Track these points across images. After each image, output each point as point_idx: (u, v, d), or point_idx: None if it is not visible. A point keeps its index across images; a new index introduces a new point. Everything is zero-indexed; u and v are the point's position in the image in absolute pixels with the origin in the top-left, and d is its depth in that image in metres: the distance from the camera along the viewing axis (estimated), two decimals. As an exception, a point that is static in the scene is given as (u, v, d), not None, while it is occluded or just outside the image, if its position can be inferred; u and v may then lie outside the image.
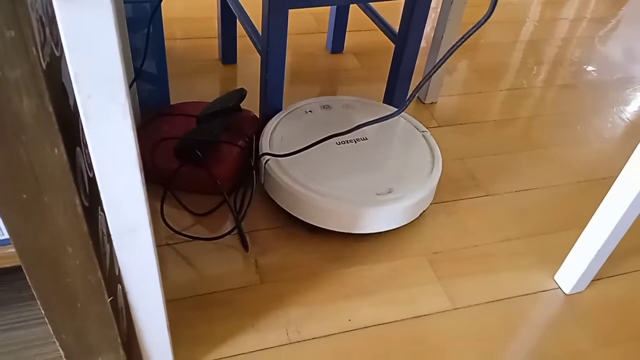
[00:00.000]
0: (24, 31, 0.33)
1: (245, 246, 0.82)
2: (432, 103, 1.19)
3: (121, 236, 0.46)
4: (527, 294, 0.81)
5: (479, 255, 0.86)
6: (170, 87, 1.08)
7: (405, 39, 1.01)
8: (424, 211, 0.89)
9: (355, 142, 0.91)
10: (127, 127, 0.40)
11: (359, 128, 0.84)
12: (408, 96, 0.60)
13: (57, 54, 0.41)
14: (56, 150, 0.39)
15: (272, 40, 0.88)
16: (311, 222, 0.82)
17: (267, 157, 0.85)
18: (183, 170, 0.87)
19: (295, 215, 0.83)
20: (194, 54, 1.23)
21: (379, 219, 0.82)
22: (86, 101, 0.37)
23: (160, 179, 0.88)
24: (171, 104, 1.04)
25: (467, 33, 0.40)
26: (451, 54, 0.50)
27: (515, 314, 0.78)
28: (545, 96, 1.28)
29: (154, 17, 0.93)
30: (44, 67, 0.36)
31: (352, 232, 0.82)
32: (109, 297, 0.51)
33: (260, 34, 0.92)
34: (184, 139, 0.89)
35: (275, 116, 0.95)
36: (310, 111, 0.98)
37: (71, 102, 0.42)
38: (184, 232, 0.83)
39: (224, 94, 0.99)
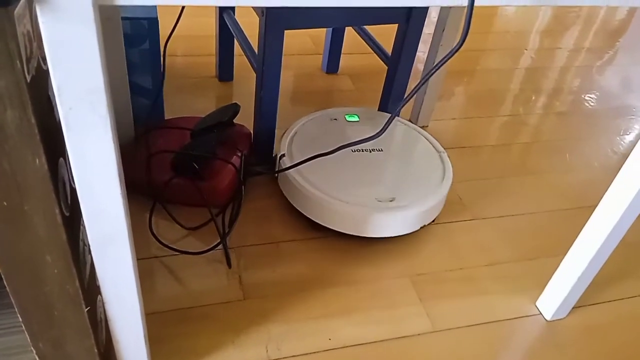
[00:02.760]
0: (9, 45, 0.35)
1: (228, 262, 0.82)
2: (423, 127, 1.20)
3: (100, 247, 0.47)
4: (508, 319, 0.81)
5: (462, 278, 0.87)
6: (166, 102, 1.10)
7: (398, 61, 1.03)
8: (424, 225, 0.91)
9: (370, 152, 0.95)
10: (108, 140, 0.41)
11: (341, 149, 0.84)
12: (388, 119, 0.62)
13: (45, 67, 0.43)
14: (37, 160, 0.40)
15: (267, 60, 0.90)
16: (310, 217, 0.87)
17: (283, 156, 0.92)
18: (177, 183, 0.88)
19: (297, 208, 0.89)
20: (191, 70, 1.25)
21: (376, 223, 0.85)
22: (68, 113, 0.38)
23: (153, 191, 0.88)
24: (166, 118, 1.06)
25: (438, 62, 0.41)
26: (425, 81, 0.51)
27: (495, 339, 0.78)
28: (540, 123, 1.29)
29: (151, 34, 0.95)
30: (29, 80, 0.37)
31: (349, 232, 0.86)
32: (87, 307, 0.51)
33: (257, 53, 0.94)
34: (181, 153, 0.90)
35: (300, 120, 1.01)
36: (336, 119, 1.03)
37: (57, 115, 0.44)
38: (171, 246, 0.83)
39: (217, 109, 1.01)
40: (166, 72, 1.23)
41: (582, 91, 1.46)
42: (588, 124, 1.33)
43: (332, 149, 0.81)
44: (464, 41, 0.40)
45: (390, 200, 0.85)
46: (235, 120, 1.00)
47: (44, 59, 0.43)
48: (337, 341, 0.75)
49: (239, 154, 0.95)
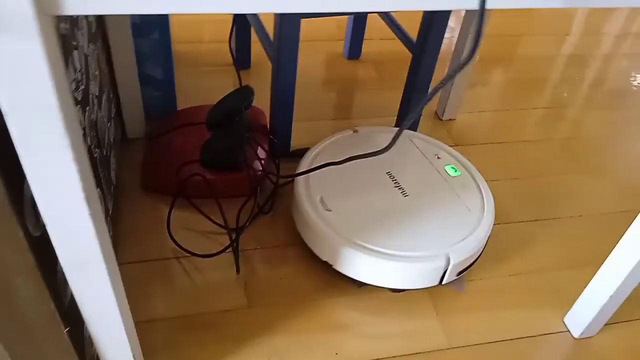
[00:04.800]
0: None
1: (237, 267, 0.78)
2: (450, 120, 1.13)
3: (72, 270, 0.44)
4: (532, 336, 0.75)
5: (483, 289, 0.81)
6: (181, 91, 1.06)
7: (423, 49, 0.95)
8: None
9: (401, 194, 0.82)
10: (69, 161, 0.37)
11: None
12: (395, 133, 0.55)
13: None
14: (-6, 183, 0.37)
15: (283, 48, 0.84)
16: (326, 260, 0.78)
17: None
18: (210, 177, 0.86)
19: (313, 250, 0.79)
20: (207, 58, 1.21)
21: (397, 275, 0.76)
22: (20, 135, 0.35)
23: (178, 189, 0.86)
24: (178, 109, 1.02)
25: (446, 78, 0.36)
26: (432, 96, 0.45)
27: (516, 358, 0.73)
28: (581, 117, 1.20)
29: (160, 22, 0.91)
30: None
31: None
32: (66, 328, 0.48)
33: (272, 41, 0.88)
34: (213, 145, 0.87)
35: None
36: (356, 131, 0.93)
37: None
38: (183, 247, 0.80)
39: (229, 95, 0.96)
40: (181, 60, 1.19)
41: (628, 82, 1.35)
42: (636, 118, 1.22)
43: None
44: (474, 53, 0.34)
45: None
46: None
47: None
48: (344, 355, 0.70)
49: (266, 139, 0.94)
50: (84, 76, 0.65)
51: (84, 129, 0.63)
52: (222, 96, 0.95)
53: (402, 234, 0.75)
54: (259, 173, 0.88)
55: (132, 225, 0.83)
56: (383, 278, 0.75)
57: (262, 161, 0.90)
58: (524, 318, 0.78)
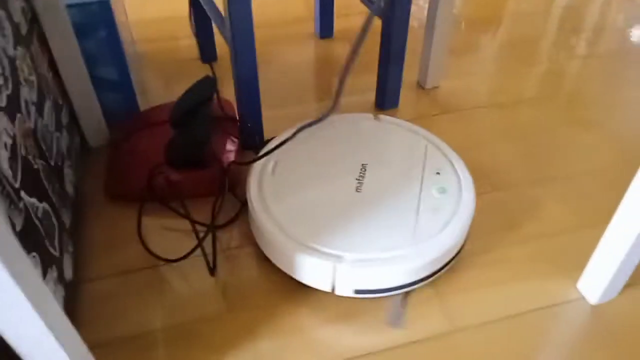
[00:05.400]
0: None
1: (210, 269, 0.72)
2: (434, 88, 1.06)
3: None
4: (543, 308, 0.68)
5: (484, 262, 0.73)
6: (149, 91, 1.00)
7: (392, 10, 0.88)
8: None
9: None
10: None
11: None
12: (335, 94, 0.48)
13: None
14: None
15: (236, 29, 0.77)
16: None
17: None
18: (178, 178, 0.80)
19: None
20: (171, 55, 1.14)
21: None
22: None
23: (149, 194, 0.79)
24: (142, 110, 0.95)
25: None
26: (351, 63, 0.39)
27: (528, 334, 0.65)
28: (575, 72, 1.12)
29: (105, 19, 0.84)
30: None
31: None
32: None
33: (224, 24, 0.81)
34: (175, 144, 0.81)
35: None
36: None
37: None
38: (155, 253, 0.73)
39: (190, 88, 0.89)
40: (145, 60, 1.12)
41: (625, 32, 1.26)
42: (633, 68, 1.14)
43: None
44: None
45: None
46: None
47: None
48: (338, 353, 0.64)
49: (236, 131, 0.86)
50: (8, 81, 0.59)
51: (13, 137, 0.56)
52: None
53: (325, 229, 0.68)
54: (228, 167, 0.81)
55: (100, 237, 0.76)
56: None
57: (232, 154, 0.83)
58: (533, 289, 0.70)
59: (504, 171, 0.87)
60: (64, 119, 0.80)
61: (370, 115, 0.86)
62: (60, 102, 0.81)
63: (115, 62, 0.89)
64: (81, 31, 0.83)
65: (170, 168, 0.80)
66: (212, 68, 0.93)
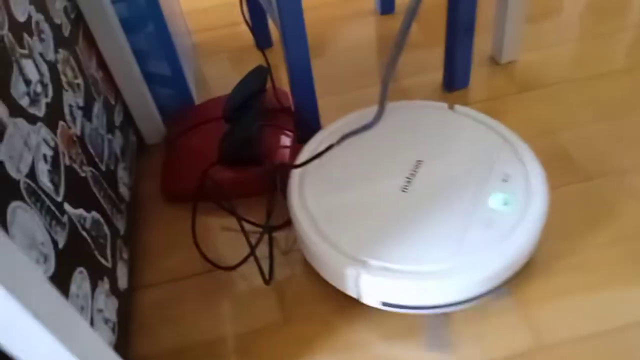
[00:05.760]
0: None
1: (264, 277, 0.67)
2: (510, 62, 0.94)
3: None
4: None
5: (574, 266, 0.64)
6: (205, 82, 0.97)
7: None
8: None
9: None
10: None
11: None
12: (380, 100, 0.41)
13: None
14: None
15: (284, 10, 0.71)
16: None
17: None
18: (231, 176, 0.76)
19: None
20: (228, 43, 1.10)
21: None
22: None
23: (205, 195, 0.76)
24: (197, 104, 0.92)
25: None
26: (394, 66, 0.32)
27: (630, 351, 0.56)
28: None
29: (152, 12, 0.81)
30: None
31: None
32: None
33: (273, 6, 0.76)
34: (228, 141, 0.77)
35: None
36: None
37: None
38: (211, 260, 0.70)
39: (242, 80, 0.85)
40: (200, 50, 1.09)
41: None
42: None
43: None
44: None
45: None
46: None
47: None
48: (404, 371, 0.58)
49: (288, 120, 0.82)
50: (47, 87, 0.56)
51: (54, 147, 0.54)
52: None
53: (360, 232, 0.61)
54: (279, 166, 0.76)
55: (156, 241, 0.74)
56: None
57: (287, 150, 0.78)
58: (630, 297, 0.60)
59: (595, 157, 0.76)
60: (117, 119, 0.78)
61: (444, 105, 0.77)
62: (113, 101, 0.79)
63: (166, 56, 0.86)
64: (129, 26, 0.80)
65: (223, 166, 0.76)
66: (265, 55, 0.88)
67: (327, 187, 0.66)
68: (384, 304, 0.59)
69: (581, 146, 0.78)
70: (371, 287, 0.58)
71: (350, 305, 0.63)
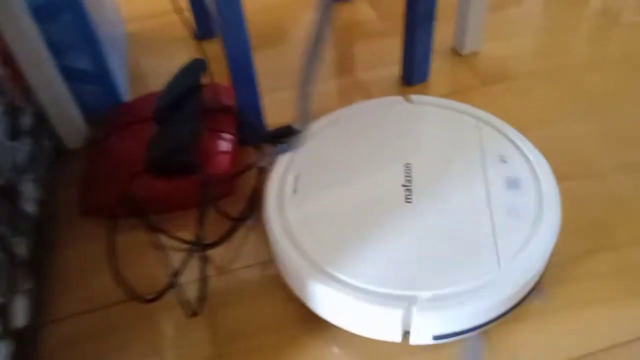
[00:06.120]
0: None
1: (187, 310, 0.58)
2: (473, 53, 0.87)
3: None
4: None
5: (576, 275, 0.57)
6: (140, 77, 0.87)
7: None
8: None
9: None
10: None
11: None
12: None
13: None
14: None
15: None
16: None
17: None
18: (161, 188, 0.66)
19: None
20: (167, 32, 0.99)
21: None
22: None
23: (130, 210, 0.66)
24: (126, 101, 0.82)
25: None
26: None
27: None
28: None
29: (71, 1, 0.70)
30: None
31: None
32: None
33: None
34: (155, 151, 0.67)
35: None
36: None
37: None
38: (134, 287, 0.61)
39: (177, 74, 0.75)
40: (135, 41, 0.98)
41: None
42: None
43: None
44: None
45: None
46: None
47: None
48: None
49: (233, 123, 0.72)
50: None
51: None
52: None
53: (375, 258, 0.52)
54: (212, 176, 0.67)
55: (70, 266, 0.64)
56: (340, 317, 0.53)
57: (227, 154, 0.69)
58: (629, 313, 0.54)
59: (576, 158, 0.69)
60: (26, 123, 0.68)
61: (399, 98, 0.69)
62: (21, 103, 0.68)
63: (88, 48, 0.75)
64: (41, 14, 0.69)
65: (150, 175, 0.66)
66: (201, 46, 0.78)
67: (316, 214, 0.56)
68: (436, 337, 0.51)
69: (557, 146, 0.71)
70: (423, 323, 0.49)
71: (306, 335, 0.55)
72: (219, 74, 0.74)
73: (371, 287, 0.49)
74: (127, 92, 0.85)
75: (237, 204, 0.68)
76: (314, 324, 0.55)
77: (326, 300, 0.51)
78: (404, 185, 0.57)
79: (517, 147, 0.61)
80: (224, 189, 0.68)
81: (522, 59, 0.86)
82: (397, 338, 0.50)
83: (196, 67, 0.74)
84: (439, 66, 0.85)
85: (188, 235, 0.64)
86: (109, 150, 0.72)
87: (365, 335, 0.52)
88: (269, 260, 0.62)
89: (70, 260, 0.65)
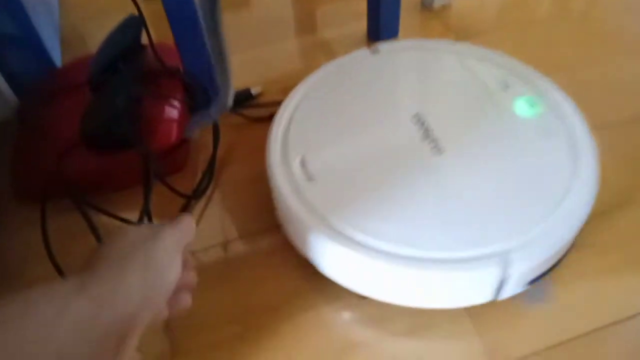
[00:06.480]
0: None
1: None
2: (443, 7, 0.80)
3: None
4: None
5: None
6: (75, 40, 0.77)
7: None
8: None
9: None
10: None
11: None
12: None
13: None
14: None
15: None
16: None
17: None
18: (100, 164, 0.58)
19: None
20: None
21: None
22: None
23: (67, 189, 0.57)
24: (60, 66, 0.73)
25: None
26: None
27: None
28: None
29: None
30: None
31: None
32: None
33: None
34: (91, 121, 0.58)
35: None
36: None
37: None
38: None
39: (111, 33, 0.65)
40: (69, 2, 0.88)
41: None
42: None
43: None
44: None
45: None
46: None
47: None
48: None
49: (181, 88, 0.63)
50: None
51: None
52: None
53: (425, 221, 0.46)
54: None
55: (9, 255, 0.56)
56: (387, 291, 0.47)
57: (173, 123, 0.61)
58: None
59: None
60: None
61: (365, 51, 0.62)
62: None
63: (10, 9, 0.66)
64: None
65: (85, 150, 0.58)
66: (145, 5, 0.68)
67: (349, 196, 0.48)
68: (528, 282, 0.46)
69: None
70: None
71: (261, 325, 0.49)
72: (166, 34, 0.65)
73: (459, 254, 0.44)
74: (60, 57, 0.75)
75: (192, 180, 0.61)
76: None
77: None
78: (424, 139, 0.51)
79: (511, 68, 0.57)
80: (172, 162, 0.60)
81: (495, 11, 0.79)
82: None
83: (132, 26, 0.65)
84: (408, 22, 0.78)
85: (134, 216, 0.57)
86: (39, 123, 0.63)
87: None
88: (231, 240, 0.55)
89: (9, 250, 0.57)
